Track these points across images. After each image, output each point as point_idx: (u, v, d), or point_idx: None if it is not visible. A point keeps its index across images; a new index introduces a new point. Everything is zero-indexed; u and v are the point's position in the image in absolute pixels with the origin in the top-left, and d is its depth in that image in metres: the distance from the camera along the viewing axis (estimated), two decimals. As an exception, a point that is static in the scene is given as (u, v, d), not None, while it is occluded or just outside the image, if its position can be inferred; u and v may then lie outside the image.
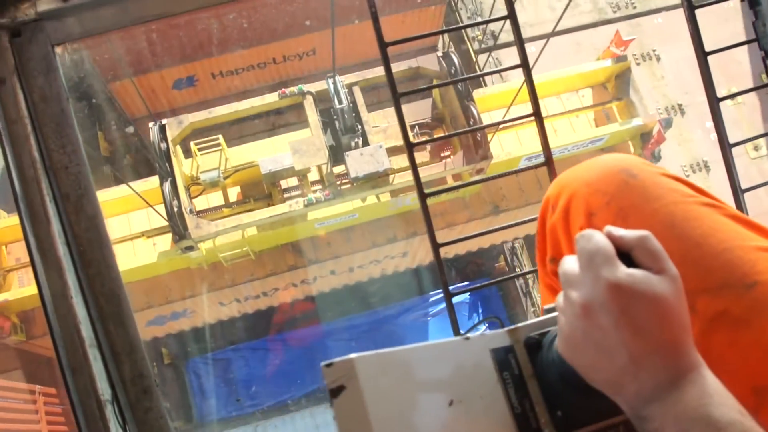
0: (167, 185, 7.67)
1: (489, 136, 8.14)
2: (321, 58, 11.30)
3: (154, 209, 7.70)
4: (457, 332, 1.97)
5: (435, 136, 8.21)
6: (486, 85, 11.18)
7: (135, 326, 1.55)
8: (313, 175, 8.56)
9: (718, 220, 0.91)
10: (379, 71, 8.22)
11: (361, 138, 7.97)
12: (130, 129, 11.19)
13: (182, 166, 8.23)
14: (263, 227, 8.45)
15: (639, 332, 0.66)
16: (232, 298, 9.53)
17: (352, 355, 0.72)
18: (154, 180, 8.26)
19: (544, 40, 7.24)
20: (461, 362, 0.79)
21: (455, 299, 1.97)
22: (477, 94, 8.92)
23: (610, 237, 0.71)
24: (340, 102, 7.83)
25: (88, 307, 1.49)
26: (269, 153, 8.26)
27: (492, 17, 11.08)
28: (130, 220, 8.69)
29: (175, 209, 7.62)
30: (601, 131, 9.19)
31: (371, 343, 10.86)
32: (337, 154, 8.02)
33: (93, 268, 1.52)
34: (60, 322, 1.45)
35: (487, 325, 7.93)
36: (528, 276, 11.40)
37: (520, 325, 0.84)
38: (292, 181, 8.61)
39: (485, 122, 8.29)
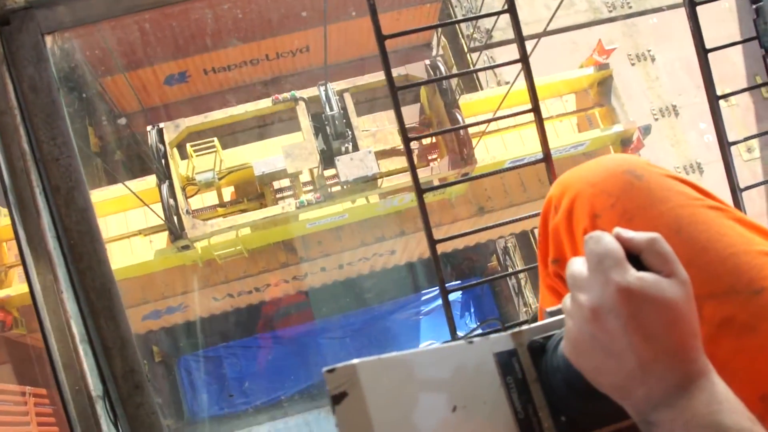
0: (165, 187, 7.83)
1: (474, 141, 8.30)
2: (314, 54, 11.28)
3: (152, 210, 7.83)
4: (453, 330, 1.96)
5: (431, 131, 8.33)
6: (480, 83, 11.21)
7: (126, 321, 1.52)
8: (305, 176, 8.76)
9: (724, 224, 0.90)
10: (369, 78, 8.54)
11: (351, 143, 8.22)
12: (123, 120, 11.12)
13: (179, 168, 8.42)
14: (256, 227, 8.63)
15: (648, 337, 0.65)
16: (225, 294, 9.61)
17: (354, 361, 0.70)
18: (151, 179, 8.43)
19: (537, 39, 7.24)
20: (464, 366, 0.78)
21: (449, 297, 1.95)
22: (463, 99, 9.18)
23: (619, 239, 0.69)
24: (331, 109, 8.09)
25: (78, 302, 1.47)
26: (262, 155, 8.50)
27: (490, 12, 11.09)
28: (127, 219, 8.86)
29: (173, 210, 7.77)
30: (582, 136, 9.36)
31: (365, 339, 10.87)
32: (327, 159, 8.27)
33: (84, 262, 1.49)
34: (50, 317, 1.42)
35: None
36: (520, 275, 11.42)
37: (523, 328, 0.83)
38: (285, 182, 8.83)
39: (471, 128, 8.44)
